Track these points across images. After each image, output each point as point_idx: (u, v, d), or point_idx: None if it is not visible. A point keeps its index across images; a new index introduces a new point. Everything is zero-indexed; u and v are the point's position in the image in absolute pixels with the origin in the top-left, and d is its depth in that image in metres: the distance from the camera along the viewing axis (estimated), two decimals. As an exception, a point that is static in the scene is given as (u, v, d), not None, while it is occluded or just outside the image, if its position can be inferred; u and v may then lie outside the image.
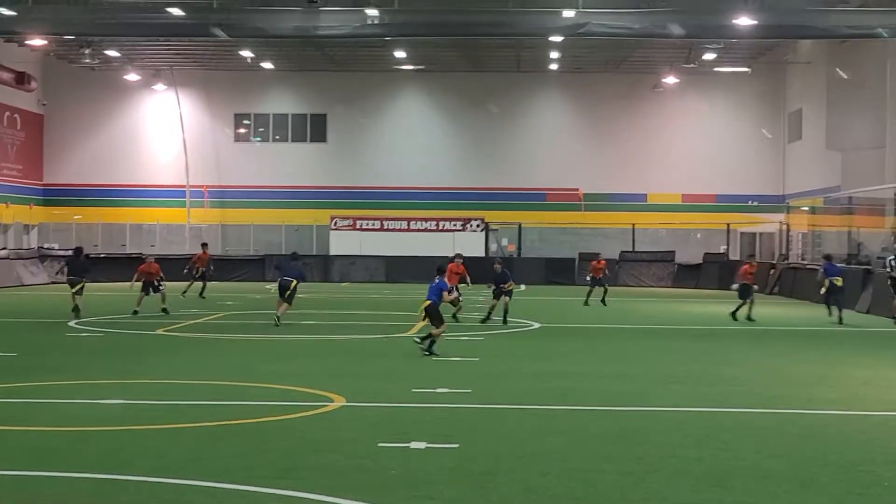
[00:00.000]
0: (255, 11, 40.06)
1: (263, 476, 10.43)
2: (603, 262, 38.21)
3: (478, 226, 56.73)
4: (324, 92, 59.48)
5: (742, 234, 56.71)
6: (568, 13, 38.00)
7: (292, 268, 29.13)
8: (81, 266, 30.73)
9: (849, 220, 42.11)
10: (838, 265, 32.95)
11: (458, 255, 31.37)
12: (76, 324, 27.37)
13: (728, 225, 55.67)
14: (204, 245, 41.06)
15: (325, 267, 54.60)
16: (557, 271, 53.65)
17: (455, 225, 56.88)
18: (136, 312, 30.12)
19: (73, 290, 29.44)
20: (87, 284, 30.09)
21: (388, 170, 58.95)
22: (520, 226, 57.31)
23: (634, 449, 12.00)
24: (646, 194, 58.54)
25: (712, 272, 50.57)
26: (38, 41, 47.58)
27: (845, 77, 47.01)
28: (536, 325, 28.49)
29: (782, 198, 56.30)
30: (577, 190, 58.62)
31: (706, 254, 53.89)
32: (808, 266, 41.95)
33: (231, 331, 26.42)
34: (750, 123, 58.65)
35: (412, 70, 56.99)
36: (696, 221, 57.11)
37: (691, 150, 58.36)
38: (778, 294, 44.09)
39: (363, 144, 59.67)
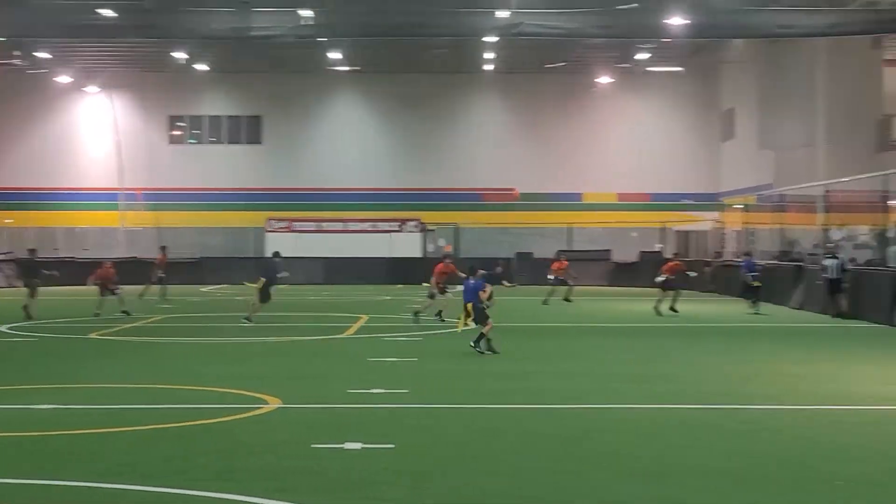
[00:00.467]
0: (187, 12, 39.73)
1: (198, 479, 10.31)
2: (566, 262, 39.12)
3: (415, 226, 56.74)
4: (259, 94, 59.14)
5: (677, 232, 57.12)
6: (502, 13, 38.19)
7: (279, 266, 30.62)
8: (36, 269, 31.92)
9: (781, 217, 42.60)
10: (756, 261, 35.51)
11: (448, 256, 31.78)
12: (8, 328, 26.99)
13: (663, 224, 56.08)
14: (163, 248, 40.72)
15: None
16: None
17: (392, 226, 56.89)
18: (97, 315, 30.36)
19: (32, 294, 30.13)
20: (23, 288, 30.72)
21: (325, 171, 58.72)
22: (456, 226, 57.32)
23: (575, 447, 12.03)
24: (582, 193, 58.85)
25: (648, 270, 50.80)
26: (-34, 43, 46.88)
27: (776, 76, 47.52)
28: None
29: (716, 196, 56.82)
30: (513, 190, 58.80)
31: (642, 252, 54.21)
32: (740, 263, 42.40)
33: (166, 334, 26.16)
34: (684, 123, 59.19)
35: (348, 71, 56.78)
36: (631, 220, 57.47)
37: (626, 150, 58.74)
38: (713, 291, 44.45)
39: (299, 146, 59.39)
